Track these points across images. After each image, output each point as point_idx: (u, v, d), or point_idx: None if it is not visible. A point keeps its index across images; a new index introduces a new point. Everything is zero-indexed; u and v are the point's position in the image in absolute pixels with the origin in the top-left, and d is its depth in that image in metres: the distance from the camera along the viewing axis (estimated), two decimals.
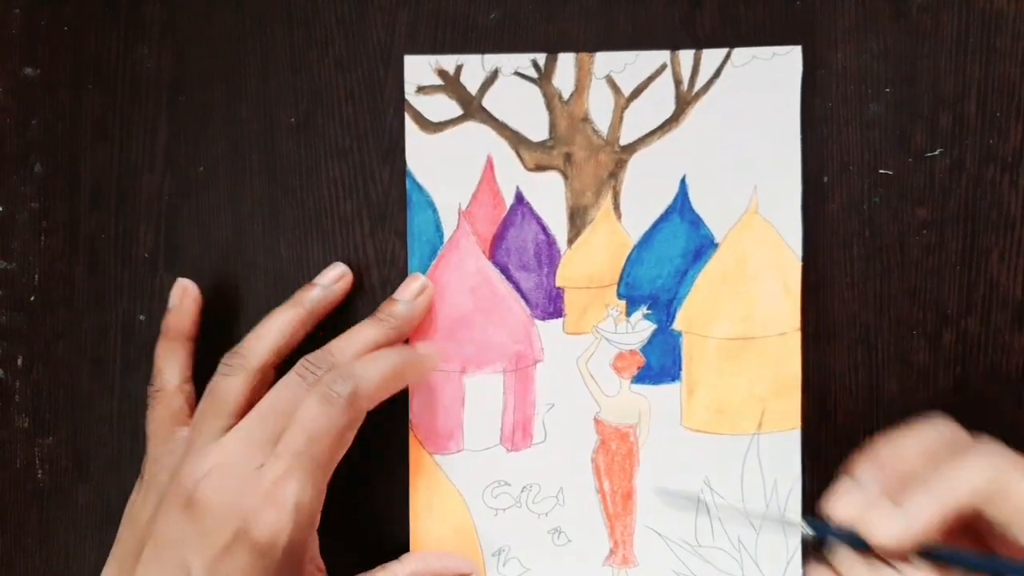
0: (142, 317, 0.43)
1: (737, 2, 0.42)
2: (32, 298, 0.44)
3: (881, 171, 0.42)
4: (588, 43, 0.42)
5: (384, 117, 0.43)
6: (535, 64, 0.42)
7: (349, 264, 0.43)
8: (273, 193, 0.43)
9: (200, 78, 0.43)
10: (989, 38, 0.41)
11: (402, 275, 0.43)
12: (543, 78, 0.42)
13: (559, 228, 0.43)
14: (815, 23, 0.42)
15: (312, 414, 0.37)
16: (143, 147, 0.43)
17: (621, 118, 0.42)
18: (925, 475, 0.35)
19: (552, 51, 0.42)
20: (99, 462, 0.44)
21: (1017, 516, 0.34)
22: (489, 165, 0.43)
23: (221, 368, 0.40)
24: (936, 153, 0.42)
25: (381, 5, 0.43)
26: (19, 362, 0.44)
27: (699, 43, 0.42)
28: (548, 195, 0.43)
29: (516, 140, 0.42)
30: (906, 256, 0.42)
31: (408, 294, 0.41)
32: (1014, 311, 0.42)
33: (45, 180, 0.43)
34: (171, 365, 0.41)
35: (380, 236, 0.43)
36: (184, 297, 0.42)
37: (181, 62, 0.43)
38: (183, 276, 0.43)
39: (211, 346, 0.43)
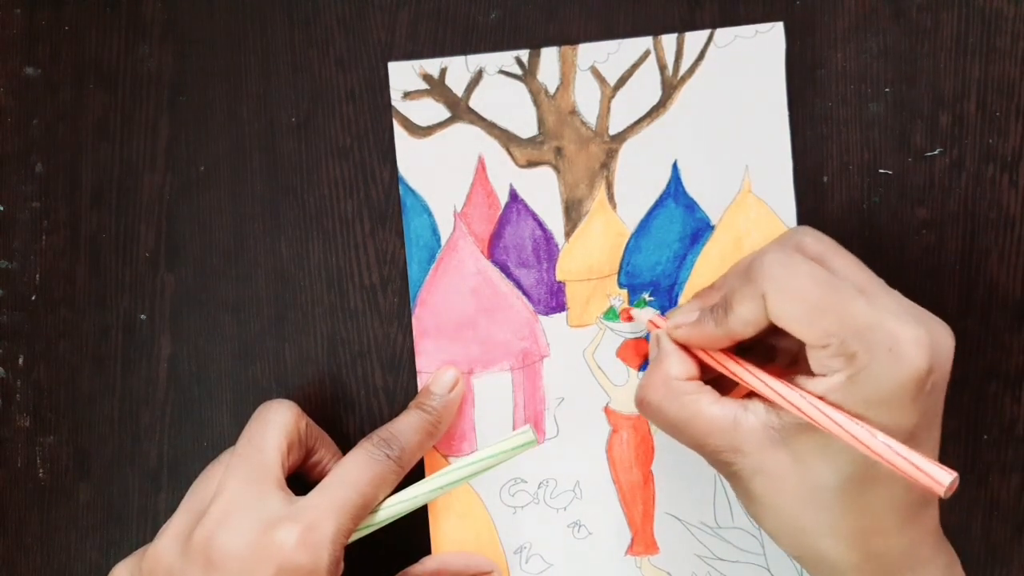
0: (143, 316, 0.43)
1: (736, 2, 0.42)
2: (33, 297, 0.44)
3: (881, 171, 0.42)
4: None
5: (384, 117, 0.43)
6: (519, 61, 0.42)
7: (349, 263, 0.43)
8: (273, 193, 0.43)
9: (201, 78, 0.43)
10: (989, 38, 0.41)
11: (402, 275, 0.43)
12: (528, 74, 0.42)
13: (555, 222, 0.43)
14: (815, 23, 0.42)
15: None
16: (144, 146, 0.43)
17: (608, 108, 0.42)
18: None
19: None
20: (100, 461, 0.44)
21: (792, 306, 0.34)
22: (481, 165, 0.43)
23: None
24: (936, 153, 0.42)
25: (381, 5, 0.43)
26: (20, 361, 0.44)
27: None
28: (542, 190, 0.43)
29: (506, 138, 0.43)
30: (906, 256, 0.42)
31: (442, 389, 0.42)
32: (1014, 311, 0.42)
33: (46, 179, 0.44)
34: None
35: (380, 236, 0.43)
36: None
37: (182, 62, 0.43)
38: (183, 274, 0.43)
39: (212, 346, 0.43)
